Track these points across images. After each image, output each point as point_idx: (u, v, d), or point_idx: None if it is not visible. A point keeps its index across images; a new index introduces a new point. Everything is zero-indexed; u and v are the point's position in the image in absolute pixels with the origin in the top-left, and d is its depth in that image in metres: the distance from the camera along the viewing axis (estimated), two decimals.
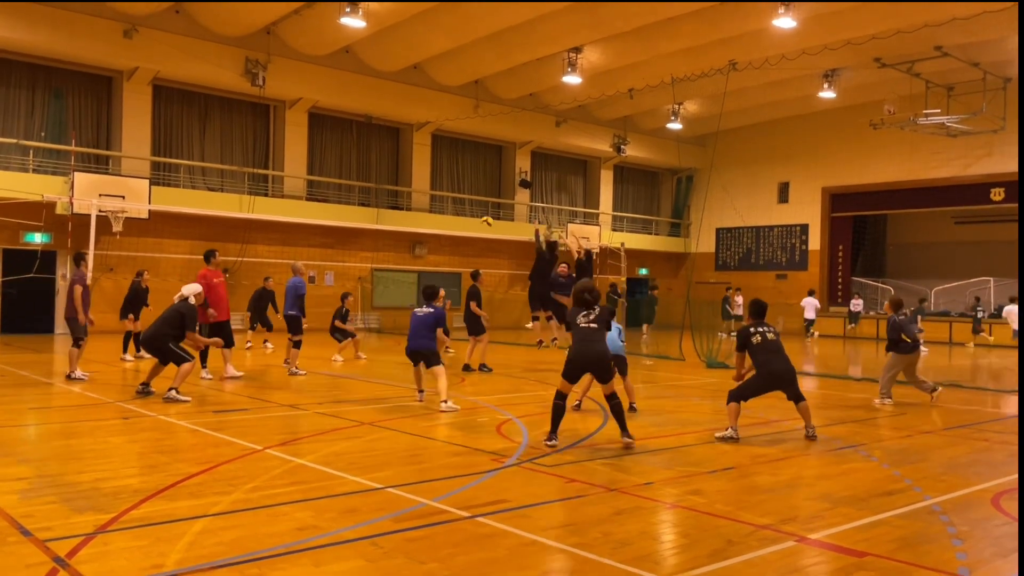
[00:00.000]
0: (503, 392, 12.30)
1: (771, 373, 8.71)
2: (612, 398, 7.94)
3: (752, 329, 8.96)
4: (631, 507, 5.75)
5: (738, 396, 8.69)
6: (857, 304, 29.65)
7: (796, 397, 8.82)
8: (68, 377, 12.03)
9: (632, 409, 10.24)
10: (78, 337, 12.07)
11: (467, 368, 14.84)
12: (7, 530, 4.87)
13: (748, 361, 8.91)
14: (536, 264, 15.55)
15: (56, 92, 22.58)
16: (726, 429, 8.56)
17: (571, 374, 7.92)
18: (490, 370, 14.80)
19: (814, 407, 11.02)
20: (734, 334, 11.67)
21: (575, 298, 8.17)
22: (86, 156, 22.61)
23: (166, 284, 19.79)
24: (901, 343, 11.63)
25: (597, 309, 8.06)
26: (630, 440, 7.87)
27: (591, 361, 7.86)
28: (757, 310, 9.15)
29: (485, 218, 17.32)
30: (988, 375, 17.18)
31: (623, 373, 10.17)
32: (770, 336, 8.87)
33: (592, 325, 7.92)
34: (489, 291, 23.38)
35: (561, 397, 7.92)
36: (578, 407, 10.19)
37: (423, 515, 5.40)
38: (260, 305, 18.56)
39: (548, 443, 7.80)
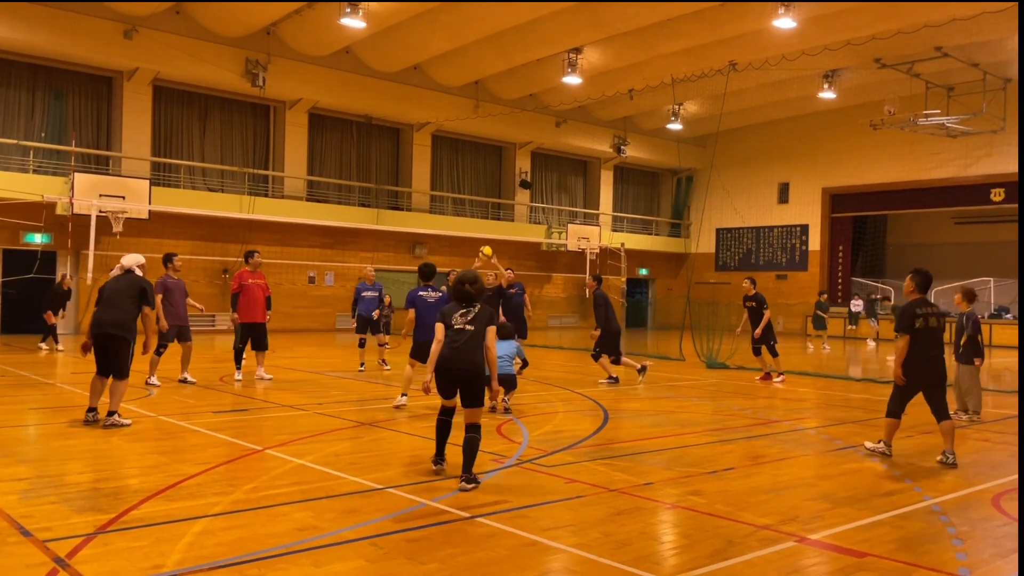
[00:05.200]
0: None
1: (922, 374, 7.29)
2: (472, 429, 6.20)
3: (918, 309, 7.21)
4: (631, 507, 5.75)
5: (898, 411, 7.43)
6: (857, 304, 29.67)
7: (941, 412, 7.35)
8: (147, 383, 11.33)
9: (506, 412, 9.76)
10: (163, 344, 11.39)
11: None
12: (7, 530, 4.87)
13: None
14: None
15: (56, 92, 22.57)
16: (878, 442, 7.79)
17: (442, 387, 6.40)
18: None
19: (815, 407, 11.03)
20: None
21: (454, 290, 6.54)
22: (86, 156, 22.61)
23: None
24: (973, 346, 9.82)
25: (477, 307, 6.41)
26: (468, 487, 6.05)
27: (459, 376, 6.26)
28: (923, 282, 7.36)
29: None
30: (987, 375, 17.16)
31: (509, 389, 9.73)
32: (933, 322, 7.24)
33: (468, 327, 6.29)
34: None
35: (446, 413, 6.57)
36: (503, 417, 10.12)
37: (423, 515, 5.41)
38: None
39: (435, 467, 6.68)
